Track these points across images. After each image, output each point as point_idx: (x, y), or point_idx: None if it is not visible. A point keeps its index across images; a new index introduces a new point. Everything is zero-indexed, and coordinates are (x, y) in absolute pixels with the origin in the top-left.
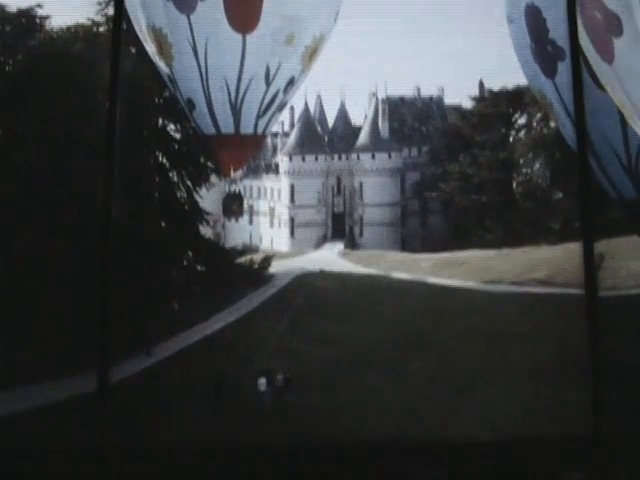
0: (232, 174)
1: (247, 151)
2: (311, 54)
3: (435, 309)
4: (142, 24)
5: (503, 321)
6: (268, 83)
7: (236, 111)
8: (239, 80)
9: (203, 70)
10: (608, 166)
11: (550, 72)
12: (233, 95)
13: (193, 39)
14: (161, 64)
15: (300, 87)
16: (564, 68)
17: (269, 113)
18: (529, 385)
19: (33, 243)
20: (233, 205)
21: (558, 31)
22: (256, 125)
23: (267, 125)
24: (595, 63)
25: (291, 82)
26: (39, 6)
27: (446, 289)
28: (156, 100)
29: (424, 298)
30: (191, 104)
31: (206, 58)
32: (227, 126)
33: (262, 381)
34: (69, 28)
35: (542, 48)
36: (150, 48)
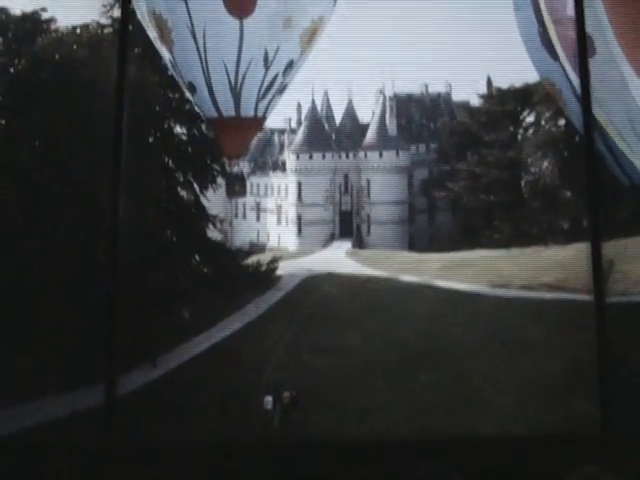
0: (234, 156)
1: (248, 133)
2: (310, 36)
3: (444, 316)
4: (143, 10)
5: (512, 329)
6: (267, 66)
7: (236, 94)
8: (238, 64)
9: (202, 54)
10: (620, 152)
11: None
12: (232, 79)
13: (192, 24)
14: (163, 49)
15: (300, 69)
16: None
17: (269, 96)
18: (537, 398)
19: (36, 250)
20: (236, 186)
21: None
22: (256, 108)
23: (267, 108)
24: (575, 82)
25: (290, 65)
26: (43, 10)
27: (454, 293)
28: (162, 101)
29: (433, 304)
30: (192, 88)
31: (205, 43)
32: (228, 109)
33: (268, 399)
34: (74, 29)
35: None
36: (152, 33)
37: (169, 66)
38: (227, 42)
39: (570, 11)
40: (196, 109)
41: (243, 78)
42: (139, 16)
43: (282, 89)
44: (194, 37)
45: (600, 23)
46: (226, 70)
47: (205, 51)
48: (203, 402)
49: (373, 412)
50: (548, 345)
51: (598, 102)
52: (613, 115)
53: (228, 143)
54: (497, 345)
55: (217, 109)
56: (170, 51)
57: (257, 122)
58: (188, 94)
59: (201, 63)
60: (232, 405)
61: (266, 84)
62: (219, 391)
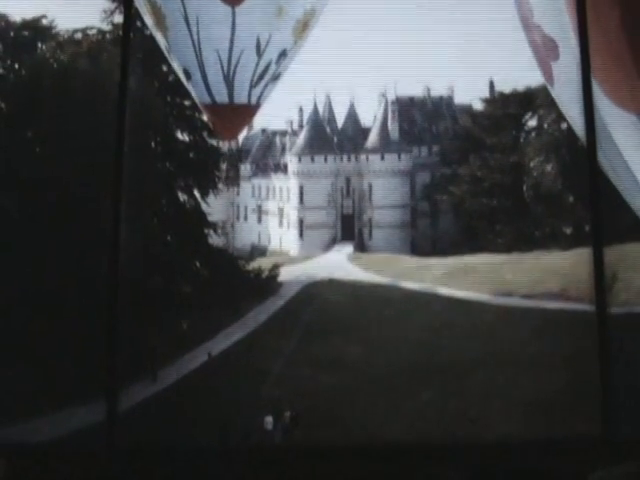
0: (229, 141)
1: (242, 120)
2: (303, 27)
3: (447, 327)
4: None
5: (514, 341)
6: (259, 54)
7: (229, 81)
8: (230, 51)
9: (196, 42)
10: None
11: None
12: (225, 66)
13: (185, 11)
14: (159, 35)
15: (294, 58)
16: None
17: (262, 83)
18: (540, 411)
19: (35, 262)
20: (230, 172)
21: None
22: (249, 95)
23: (261, 95)
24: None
25: (283, 54)
26: (44, 17)
27: (457, 302)
28: (163, 108)
29: (436, 313)
30: (187, 74)
31: (198, 30)
32: (221, 96)
33: (269, 420)
34: (74, 33)
35: None
36: (148, 20)
37: (165, 53)
38: (219, 30)
39: (536, 18)
40: (196, 114)
41: (236, 65)
42: (136, 4)
43: (276, 77)
44: (187, 24)
45: (565, 28)
46: (219, 57)
47: (198, 38)
48: (203, 417)
49: (375, 428)
50: (550, 357)
51: (561, 105)
52: (573, 120)
53: (222, 129)
54: (500, 358)
55: (211, 96)
56: (165, 37)
57: (251, 109)
58: (183, 80)
59: (194, 50)
60: (231, 423)
61: (259, 72)
62: (219, 410)
